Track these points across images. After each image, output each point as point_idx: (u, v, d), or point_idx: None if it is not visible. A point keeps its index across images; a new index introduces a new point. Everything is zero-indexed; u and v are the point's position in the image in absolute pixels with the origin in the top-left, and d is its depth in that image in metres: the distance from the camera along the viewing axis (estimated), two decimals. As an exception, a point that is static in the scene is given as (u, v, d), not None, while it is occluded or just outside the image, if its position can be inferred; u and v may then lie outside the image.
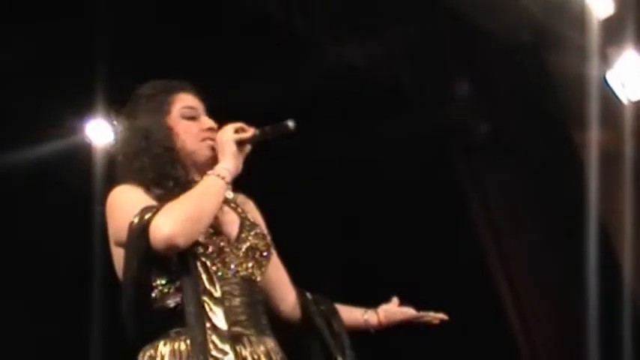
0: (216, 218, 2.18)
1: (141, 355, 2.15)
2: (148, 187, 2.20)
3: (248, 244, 2.22)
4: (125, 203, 2.16)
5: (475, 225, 5.62)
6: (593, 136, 5.15)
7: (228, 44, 4.48)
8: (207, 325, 2.04)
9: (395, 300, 2.55)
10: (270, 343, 2.18)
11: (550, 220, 5.57)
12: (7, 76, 4.31)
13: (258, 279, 2.23)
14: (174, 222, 2.04)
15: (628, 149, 5.08)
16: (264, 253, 2.25)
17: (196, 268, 2.10)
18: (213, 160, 2.25)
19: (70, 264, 4.50)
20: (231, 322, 2.09)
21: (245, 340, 2.11)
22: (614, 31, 5.21)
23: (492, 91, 5.43)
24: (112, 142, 2.38)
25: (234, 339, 2.08)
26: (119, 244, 2.15)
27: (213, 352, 2.02)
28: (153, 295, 2.13)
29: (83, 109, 4.80)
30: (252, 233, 2.25)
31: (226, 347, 2.04)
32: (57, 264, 4.60)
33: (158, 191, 2.19)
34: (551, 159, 5.55)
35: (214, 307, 2.07)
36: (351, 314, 2.49)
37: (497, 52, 5.40)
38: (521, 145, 5.62)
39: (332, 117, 4.82)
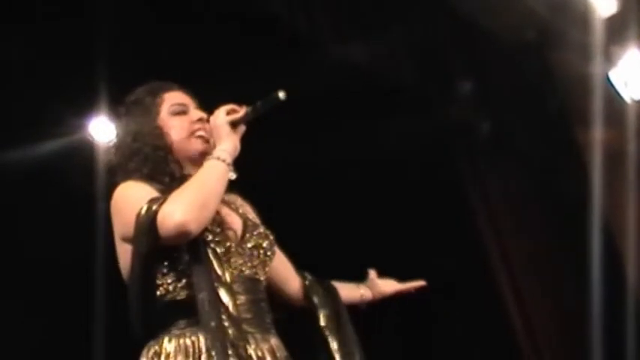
0: (220, 219, 2.20)
1: (145, 350, 2.16)
2: (148, 183, 2.22)
3: (252, 243, 2.24)
4: (132, 197, 2.17)
5: (477, 224, 5.62)
6: (597, 135, 5.14)
7: (230, 43, 4.48)
8: (221, 309, 2.05)
9: (373, 272, 2.64)
10: (275, 340, 2.19)
11: (553, 218, 5.57)
12: (9, 75, 4.32)
13: (262, 278, 2.25)
14: (183, 209, 2.04)
15: (631, 148, 5.07)
16: (268, 252, 2.27)
17: (207, 254, 2.11)
18: (206, 154, 2.26)
19: (73, 262, 4.49)
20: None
21: (250, 337, 2.11)
22: (618, 30, 5.20)
23: (495, 89, 5.43)
24: (109, 151, 2.41)
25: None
26: (126, 240, 2.16)
27: (231, 337, 2.02)
28: (159, 288, 2.14)
29: (85, 107, 4.81)
30: (255, 233, 2.27)
31: (239, 333, 2.05)
32: (59, 263, 4.60)
33: (157, 186, 2.21)
34: (554, 157, 5.55)
35: (226, 293, 2.08)
36: (349, 292, 2.56)
37: (500, 51, 5.39)
38: (524, 144, 5.61)
39: (333, 116, 4.82)
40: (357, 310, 2.56)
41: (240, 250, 2.21)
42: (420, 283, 2.69)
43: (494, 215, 5.59)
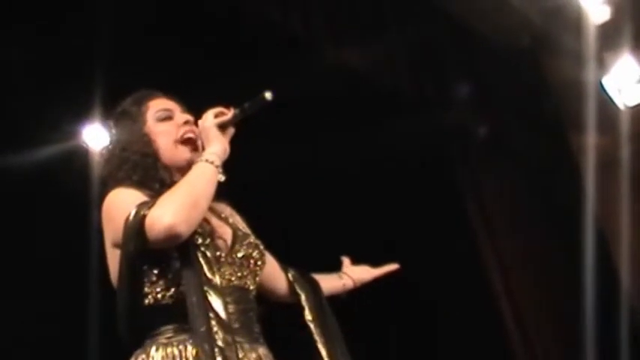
0: (210, 229, 2.19)
1: (132, 359, 2.14)
2: (138, 189, 2.21)
3: (242, 253, 2.23)
4: (121, 203, 2.16)
5: (472, 228, 5.64)
6: (590, 141, 5.16)
7: (227, 48, 4.49)
8: (211, 314, 2.02)
9: (347, 260, 2.67)
10: (263, 350, 2.18)
11: (547, 223, 5.58)
12: (5, 80, 4.32)
13: (252, 287, 2.23)
14: (172, 211, 2.02)
15: (624, 154, 5.09)
16: (259, 262, 2.26)
17: (197, 258, 2.09)
18: (193, 162, 2.24)
19: (68, 268, 4.49)
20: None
21: (238, 347, 2.09)
22: (611, 37, 5.23)
23: (491, 94, 5.45)
24: (100, 161, 2.40)
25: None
26: (117, 246, 2.14)
27: (219, 343, 2.00)
28: (148, 294, 2.12)
29: (81, 113, 4.81)
30: (245, 243, 2.26)
31: (229, 338, 2.03)
32: (54, 268, 4.59)
33: (147, 192, 2.20)
34: (548, 163, 5.57)
35: (217, 297, 2.05)
36: (330, 282, 2.57)
37: (495, 57, 5.41)
38: (519, 149, 5.63)
39: (329, 119, 4.83)
40: (337, 298, 2.57)
41: (230, 259, 2.20)
42: (394, 266, 2.69)
43: (489, 218, 5.61)
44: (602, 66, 5.29)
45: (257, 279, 2.25)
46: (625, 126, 5.22)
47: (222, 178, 2.19)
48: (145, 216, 2.04)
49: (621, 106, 5.35)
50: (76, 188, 4.49)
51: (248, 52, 4.49)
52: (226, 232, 2.25)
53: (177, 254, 2.10)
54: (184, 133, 2.30)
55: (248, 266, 2.22)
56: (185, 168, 2.24)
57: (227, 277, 2.17)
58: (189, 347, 2.06)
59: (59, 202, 4.56)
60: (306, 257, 2.55)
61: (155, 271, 2.12)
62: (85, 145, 4.96)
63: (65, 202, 4.48)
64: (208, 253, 2.12)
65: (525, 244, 5.56)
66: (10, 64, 4.26)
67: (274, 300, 2.44)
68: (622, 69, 5.37)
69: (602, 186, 5.07)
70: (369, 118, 4.93)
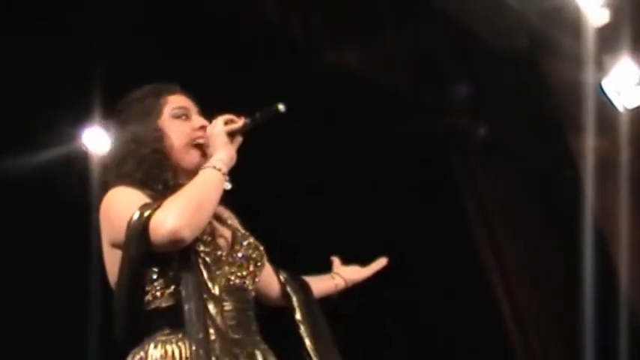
0: (211, 228, 2.19)
1: (130, 357, 2.14)
2: (139, 189, 2.18)
3: (242, 253, 2.23)
4: (122, 203, 2.13)
5: (472, 229, 5.64)
6: (590, 143, 5.17)
7: (225, 52, 4.49)
8: (209, 322, 2.02)
9: (337, 260, 2.67)
10: (263, 346, 2.19)
11: (547, 224, 5.59)
12: (4, 83, 4.32)
13: (250, 288, 2.23)
14: (177, 215, 2.01)
15: (624, 157, 5.10)
16: (258, 263, 2.26)
17: (198, 264, 2.09)
18: (200, 167, 2.22)
19: (67, 272, 4.49)
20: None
21: (236, 348, 2.09)
22: (610, 39, 5.23)
23: (489, 96, 5.46)
24: (105, 151, 2.38)
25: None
26: (116, 245, 2.13)
27: (217, 352, 2.00)
28: (147, 295, 2.11)
29: (80, 116, 4.81)
30: (244, 244, 2.26)
31: (227, 347, 2.03)
32: (54, 271, 4.59)
33: (149, 192, 2.18)
34: (547, 165, 5.58)
35: (214, 306, 2.05)
36: (323, 283, 2.58)
37: (494, 59, 5.42)
38: (518, 151, 5.64)
39: (329, 122, 4.84)
40: (329, 299, 2.59)
41: (230, 259, 2.20)
42: (382, 262, 2.69)
43: (488, 219, 5.62)
44: (601, 68, 5.29)
45: (256, 280, 2.25)
46: (624, 128, 5.22)
47: (228, 186, 2.18)
48: (149, 218, 2.03)
49: (621, 109, 5.35)
50: (77, 191, 4.51)
51: (247, 54, 4.49)
52: (226, 233, 2.25)
53: (177, 257, 2.09)
54: (196, 138, 2.28)
55: (248, 267, 2.22)
56: (192, 172, 2.23)
57: (227, 276, 2.16)
58: (188, 346, 2.05)
59: (59, 205, 4.57)
60: (304, 258, 2.55)
61: (156, 272, 2.11)
62: (84, 149, 4.97)
63: (65, 205, 4.49)
64: (208, 259, 2.12)
65: (525, 245, 5.57)
66: (9, 66, 4.26)
67: (267, 305, 2.45)
68: (621, 71, 5.37)
69: (601, 188, 5.08)
70: (368, 120, 4.94)
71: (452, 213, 5.62)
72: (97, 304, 4.28)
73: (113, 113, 2.38)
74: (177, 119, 2.29)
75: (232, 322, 2.11)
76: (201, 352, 1.98)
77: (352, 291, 2.65)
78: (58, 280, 4.57)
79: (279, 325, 2.36)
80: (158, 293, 2.11)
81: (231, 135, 2.24)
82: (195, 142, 2.27)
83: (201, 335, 1.99)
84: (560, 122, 5.52)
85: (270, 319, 2.33)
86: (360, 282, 2.66)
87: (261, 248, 2.29)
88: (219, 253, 2.17)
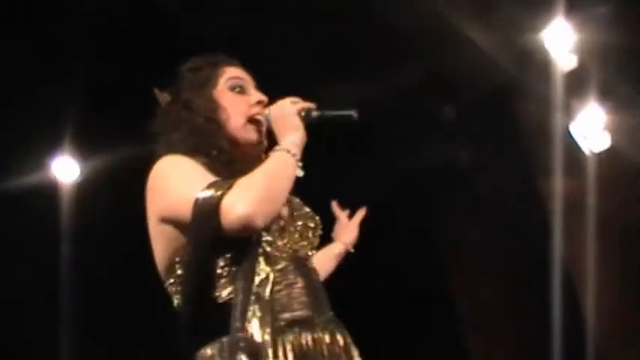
0: None
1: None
2: (192, 157, 2.01)
3: (301, 222, 2.12)
4: (177, 174, 1.97)
5: (443, 268, 5.67)
6: (558, 185, 5.24)
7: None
8: (252, 315, 1.87)
9: (342, 213, 2.78)
10: (333, 324, 2.03)
11: (516, 263, 5.64)
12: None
13: (310, 255, 2.12)
14: (252, 201, 1.85)
15: (591, 199, 5.17)
16: (316, 233, 2.15)
17: (256, 255, 1.94)
18: (256, 145, 2.12)
19: (37, 300, 4.43)
20: (290, 309, 1.94)
21: (305, 324, 1.96)
22: (578, 84, 5.34)
23: (462, 139, 5.53)
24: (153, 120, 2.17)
25: (291, 325, 1.92)
26: (166, 221, 1.96)
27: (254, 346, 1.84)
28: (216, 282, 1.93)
29: (50, 146, 4.79)
30: (302, 213, 2.14)
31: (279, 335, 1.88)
32: (24, 300, 4.53)
33: (203, 159, 2.02)
34: (517, 205, 5.64)
35: (258, 309, 1.89)
36: (328, 257, 2.62)
37: (466, 102, 5.50)
38: (489, 191, 5.70)
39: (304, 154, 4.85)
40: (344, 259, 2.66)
41: (291, 228, 2.06)
42: (362, 212, 2.83)
43: (460, 258, 5.65)
44: (569, 112, 5.39)
45: (314, 250, 2.15)
46: (591, 172, 5.31)
47: (300, 173, 2.01)
48: (220, 199, 1.85)
49: (587, 153, 5.44)
50: (46, 220, 4.47)
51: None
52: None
53: (240, 245, 1.93)
54: (254, 114, 2.13)
55: (307, 236, 2.11)
56: (246, 145, 2.11)
57: (292, 245, 2.04)
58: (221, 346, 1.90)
59: (29, 234, 4.52)
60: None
61: (221, 262, 1.95)
62: (54, 178, 4.94)
63: (35, 234, 4.44)
64: (268, 249, 1.97)
65: (495, 283, 5.60)
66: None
67: None
68: (588, 116, 5.47)
69: (569, 229, 5.15)
70: (344, 158, 4.96)
71: (423, 249, 5.64)
72: (67, 329, 4.21)
73: (173, 83, 2.19)
74: (234, 91, 2.15)
75: (303, 299, 1.97)
76: (226, 345, 1.86)
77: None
78: (29, 308, 4.50)
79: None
80: (222, 278, 1.94)
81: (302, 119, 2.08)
82: (251, 118, 2.14)
83: (237, 331, 1.85)
84: (530, 164, 5.60)
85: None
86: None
87: (317, 218, 2.18)
88: (282, 223, 2.03)
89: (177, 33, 4.35)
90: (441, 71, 5.27)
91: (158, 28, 4.33)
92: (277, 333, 1.88)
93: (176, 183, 1.96)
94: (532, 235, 5.37)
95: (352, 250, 2.76)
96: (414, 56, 5.00)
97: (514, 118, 5.61)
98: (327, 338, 1.98)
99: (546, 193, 5.45)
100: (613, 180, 5.29)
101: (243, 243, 1.92)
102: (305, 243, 2.10)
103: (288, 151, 2.00)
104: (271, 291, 1.92)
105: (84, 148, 4.74)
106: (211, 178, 1.93)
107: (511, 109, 5.62)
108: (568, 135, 5.39)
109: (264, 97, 2.17)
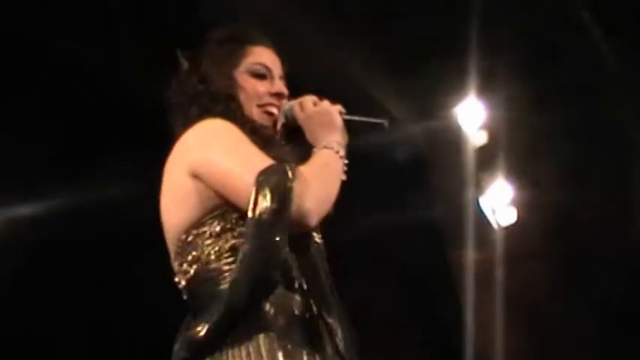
0: None
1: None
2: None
3: None
4: (230, 137, 1.81)
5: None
6: (468, 258, 5.34)
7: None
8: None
9: None
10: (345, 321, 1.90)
11: (427, 335, 5.68)
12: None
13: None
14: (316, 199, 1.74)
15: (499, 272, 5.28)
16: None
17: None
18: (266, 127, 1.96)
19: None
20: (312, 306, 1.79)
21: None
22: (487, 160, 5.50)
23: (375, 209, 5.57)
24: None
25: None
26: (206, 178, 1.78)
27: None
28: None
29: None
30: None
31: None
32: None
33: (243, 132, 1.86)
34: (428, 276, 5.70)
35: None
36: None
37: (379, 173, 5.57)
38: (400, 261, 5.75)
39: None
40: None
41: None
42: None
43: (372, 330, 5.65)
44: (479, 187, 5.53)
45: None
46: (499, 245, 5.44)
47: (343, 176, 1.89)
48: (292, 188, 1.69)
49: (495, 226, 5.58)
50: None
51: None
52: None
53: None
54: (268, 105, 1.98)
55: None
56: (261, 129, 1.93)
57: (312, 238, 1.88)
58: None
59: None
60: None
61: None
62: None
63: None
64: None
65: (404, 356, 5.62)
66: None
67: None
68: (496, 191, 5.63)
69: (479, 302, 5.23)
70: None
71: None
72: None
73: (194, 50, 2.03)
74: (254, 78, 1.98)
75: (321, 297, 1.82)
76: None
77: None
78: None
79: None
80: None
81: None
82: (266, 109, 1.98)
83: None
84: (442, 235, 5.69)
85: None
86: None
87: None
88: None
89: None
90: (355, 141, 5.33)
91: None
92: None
93: (226, 145, 1.80)
94: (444, 307, 5.43)
95: None
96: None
97: (427, 190, 5.70)
98: None
99: (457, 265, 5.54)
100: (519, 256, 5.42)
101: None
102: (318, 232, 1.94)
103: (337, 152, 1.88)
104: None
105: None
106: (264, 156, 1.79)
107: (423, 180, 5.72)
108: (478, 208, 5.53)
109: (285, 90, 2.01)
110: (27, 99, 4.09)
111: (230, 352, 1.69)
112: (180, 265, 1.82)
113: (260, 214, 1.67)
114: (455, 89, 5.17)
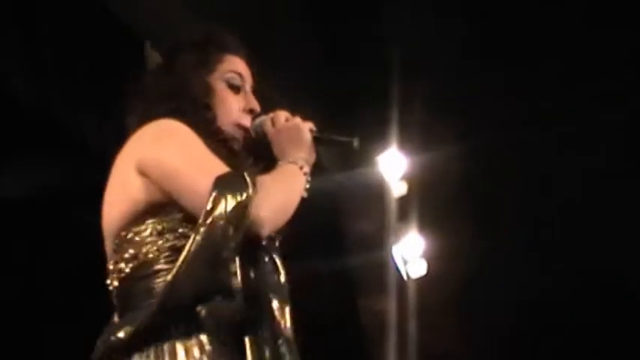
0: None
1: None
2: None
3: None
4: (186, 140, 1.80)
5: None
6: (380, 309, 5.34)
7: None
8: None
9: None
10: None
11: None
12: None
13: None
14: (270, 209, 1.72)
15: (411, 325, 5.30)
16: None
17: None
18: (237, 140, 1.97)
19: None
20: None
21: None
22: (403, 211, 5.54)
23: (289, 252, 5.51)
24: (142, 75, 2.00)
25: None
26: (153, 175, 1.77)
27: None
28: None
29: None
30: None
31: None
32: None
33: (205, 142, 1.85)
34: (337, 324, 5.66)
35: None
36: None
37: (299, 213, 5.53)
38: (310, 305, 5.68)
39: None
40: None
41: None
42: None
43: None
44: (395, 236, 5.56)
45: None
46: (411, 297, 5.47)
47: (304, 194, 1.89)
48: (251, 196, 1.67)
49: (406, 277, 5.61)
50: None
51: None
52: None
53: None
54: (243, 120, 1.98)
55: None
56: (228, 141, 1.94)
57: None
58: None
59: None
60: None
61: None
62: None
63: None
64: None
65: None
66: None
67: None
68: (409, 242, 5.67)
69: (389, 354, 5.22)
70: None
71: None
72: None
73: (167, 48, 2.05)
74: (228, 88, 1.99)
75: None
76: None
77: None
78: None
79: None
80: None
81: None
82: (238, 123, 1.99)
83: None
84: (355, 283, 5.67)
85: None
86: None
87: None
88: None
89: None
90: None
91: None
92: None
93: (181, 146, 1.79)
94: (350, 353, 5.39)
95: None
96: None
97: (343, 235, 5.69)
98: None
99: (368, 315, 5.53)
100: (430, 307, 5.46)
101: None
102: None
103: (301, 168, 1.88)
104: None
105: None
106: (219, 162, 1.77)
107: (339, 228, 5.71)
108: (392, 258, 5.55)
109: (257, 106, 2.02)
110: None
111: (153, 353, 1.67)
112: (116, 263, 1.79)
113: (215, 219, 1.65)
114: (379, 137, 5.20)
